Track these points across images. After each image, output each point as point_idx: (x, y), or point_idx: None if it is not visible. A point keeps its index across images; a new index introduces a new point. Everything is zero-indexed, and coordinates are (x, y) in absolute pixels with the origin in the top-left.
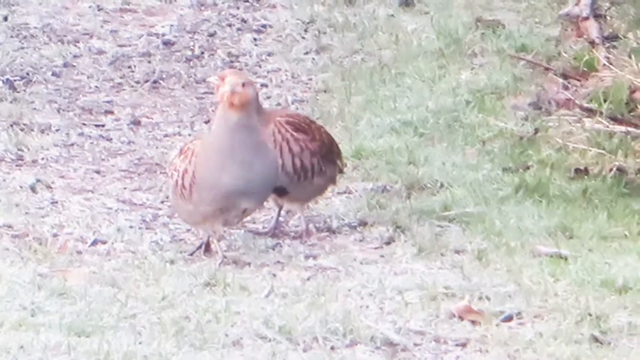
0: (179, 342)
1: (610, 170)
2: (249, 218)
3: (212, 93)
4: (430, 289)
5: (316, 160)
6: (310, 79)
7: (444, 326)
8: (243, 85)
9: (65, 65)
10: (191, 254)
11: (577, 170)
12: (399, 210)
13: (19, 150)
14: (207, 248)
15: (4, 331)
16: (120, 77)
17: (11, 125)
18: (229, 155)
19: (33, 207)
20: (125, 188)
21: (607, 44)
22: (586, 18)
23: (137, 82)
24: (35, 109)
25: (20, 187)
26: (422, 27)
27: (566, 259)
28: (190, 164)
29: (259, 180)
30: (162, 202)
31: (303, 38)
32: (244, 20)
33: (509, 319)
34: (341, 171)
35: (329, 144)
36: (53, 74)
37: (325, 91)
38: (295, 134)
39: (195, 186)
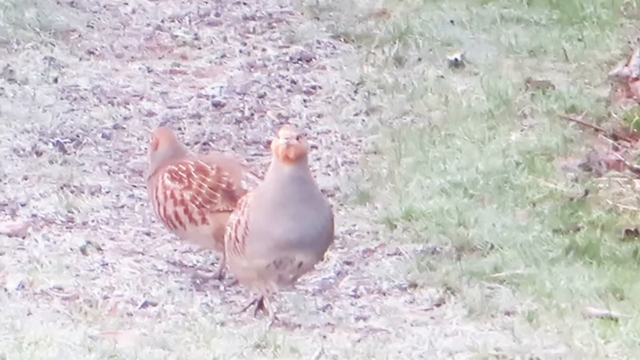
0: None
1: None
2: (300, 279)
3: (262, 155)
4: (481, 351)
5: (181, 210)
6: (360, 141)
7: None
8: (297, 138)
9: (115, 127)
10: (244, 310)
11: (627, 232)
12: (449, 271)
13: (69, 212)
14: (260, 306)
15: None
16: None
17: (61, 188)
18: (281, 208)
19: (83, 269)
20: (175, 250)
21: None
22: (636, 79)
23: (187, 144)
24: (85, 171)
25: (71, 249)
26: (472, 88)
27: (617, 320)
28: (243, 215)
29: (313, 232)
30: (213, 264)
31: (353, 99)
32: (293, 82)
33: None
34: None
35: (209, 195)
36: (103, 136)
37: (375, 152)
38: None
39: (248, 238)
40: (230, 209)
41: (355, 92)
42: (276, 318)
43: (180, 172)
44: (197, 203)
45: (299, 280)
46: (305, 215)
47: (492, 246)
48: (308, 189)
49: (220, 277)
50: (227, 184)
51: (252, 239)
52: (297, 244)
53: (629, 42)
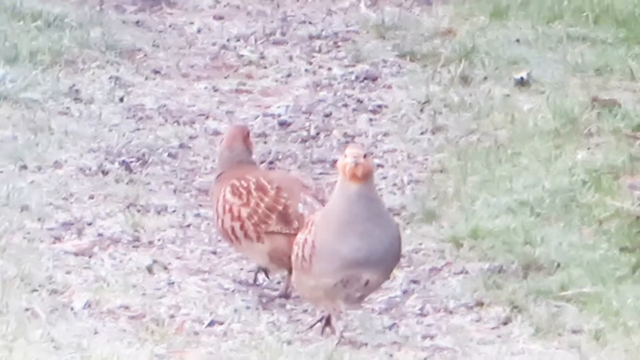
0: None
1: None
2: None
3: (328, 173)
4: None
5: (238, 225)
6: (426, 159)
7: None
8: (364, 156)
9: (181, 146)
10: (310, 328)
11: None
12: (515, 290)
13: (135, 231)
14: (327, 324)
15: None
16: None
17: (127, 207)
18: (348, 226)
19: (150, 288)
20: (241, 269)
21: None
22: None
23: None
24: (151, 190)
25: (137, 268)
26: (538, 107)
27: None
28: (310, 234)
29: (380, 251)
30: (279, 282)
31: (419, 118)
32: (359, 101)
33: None
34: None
35: (264, 215)
36: (169, 155)
37: (441, 171)
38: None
39: (315, 257)
40: (284, 232)
41: (421, 110)
42: (343, 337)
43: (240, 188)
44: (253, 221)
45: (366, 299)
46: (372, 233)
47: (559, 265)
48: (375, 207)
49: (286, 296)
50: (284, 205)
51: (320, 258)
52: (364, 262)
53: None
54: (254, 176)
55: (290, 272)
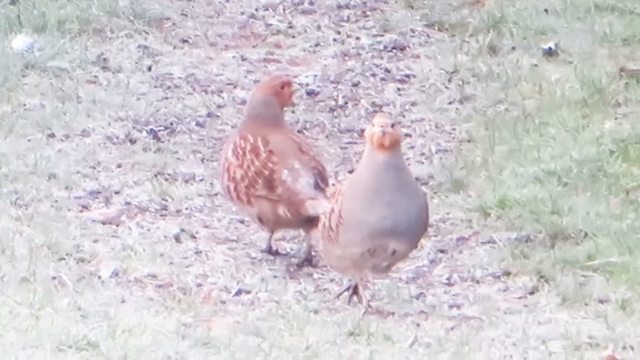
0: None
1: None
2: (395, 267)
3: (355, 143)
4: (574, 339)
5: (232, 186)
6: (454, 129)
7: None
8: (392, 125)
9: (209, 115)
10: (337, 297)
11: None
12: (542, 260)
13: (163, 200)
14: (355, 292)
15: None
16: None
17: (155, 176)
18: (375, 196)
19: (177, 257)
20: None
21: None
22: None
23: None
24: (179, 159)
25: (165, 237)
26: (566, 77)
27: None
28: (337, 204)
29: (407, 220)
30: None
31: (447, 88)
32: (387, 70)
33: None
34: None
35: (252, 179)
36: (197, 124)
37: (469, 141)
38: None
39: (342, 226)
40: (270, 197)
41: (449, 80)
42: (370, 306)
43: (239, 148)
44: (245, 184)
45: (393, 268)
46: (399, 203)
47: (586, 234)
48: (402, 176)
49: (309, 261)
50: (270, 170)
51: (346, 228)
52: (391, 232)
53: None
54: (255, 136)
55: (272, 233)
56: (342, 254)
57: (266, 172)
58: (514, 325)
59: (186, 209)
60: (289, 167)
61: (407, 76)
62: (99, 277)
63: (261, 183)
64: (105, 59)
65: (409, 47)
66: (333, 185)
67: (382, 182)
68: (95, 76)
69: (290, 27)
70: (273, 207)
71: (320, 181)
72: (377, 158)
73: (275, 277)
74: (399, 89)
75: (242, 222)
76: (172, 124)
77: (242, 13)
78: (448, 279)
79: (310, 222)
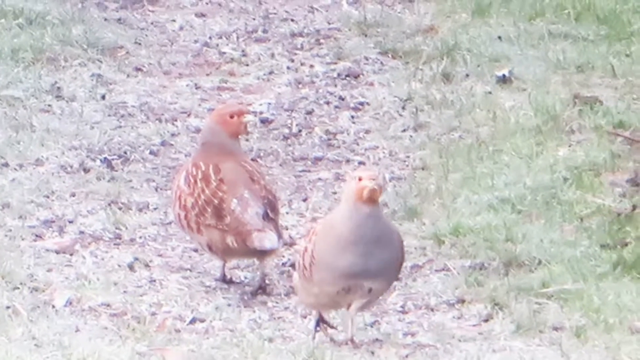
0: None
1: None
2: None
3: (309, 170)
4: None
5: (183, 214)
6: (408, 156)
7: None
8: (381, 181)
9: (162, 143)
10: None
11: None
12: (496, 287)
13: (117, 229)
14: (319, 323)
15: None
16: None
17: (109, 204)
18: (351, 245)
19: (131, 286)
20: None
21: None
22: None
23: None
24: (133, 187)
25: (119, 265)
26: (520, 104)
27: None
28: (310, 243)
29: (379, 266)
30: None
31: (400, 115)
32: (341, 98)
33: None
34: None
35: (202, 208)
36: (151, 153)
37: (423, 168)
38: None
39: (315, 266)
40: (218, 226)
41: (403, 108)
42: (353, 340)
43: (190, 176)
44: (195, 212)
45: (374, 303)
46: (373, 253)
47: (540, 261)
48: (381, 227)
49: (263, 289)
50: (219, 199)
51: (319, 268)
52: (363, 275)
53: None
54: (207, 164)
55: (224, 262)
56: (319, 291)
57: (216, 201)
58: (469, 352)
59: (140, 237)
60: (238, 196)
61: (361, 104)
62: (53, 306)
63: (210, 212)
64: (59, 88)
65: (362, 74)
66: (286, 213)
67: (360, 234)
68: (49, 105)
69: (244, 55)
70: (222, 236)
71: (270, 211)
72: (360, 211)
73: (229, 305)
74: (352, 117)
75: (196, 250)
76: (125, 153)
77: (196, 41)
78: (402, 306)
79: (260, 252)
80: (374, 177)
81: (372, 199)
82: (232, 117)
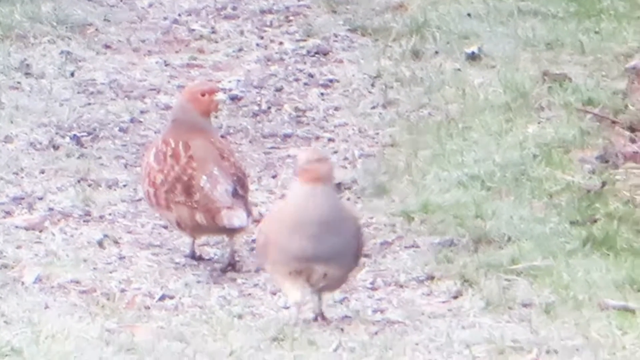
0: None
1: None
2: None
3: (279, 148)
4: (498, 343)
5: (152, 191)
6: (377, 133)
7: None
8: (319, 160)
9: (132, 120)
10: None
11: None
12: (466, 264)
13: (86, 206)
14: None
15: None
16: None
17: (78, 181)
18: (298, 226)
19: (101, 263)
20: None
21: None
22: None
23: None
24: (102, 164)
25: (88, 242)
26: (489, 81)
27: (634, 312)
28: (264, 224)
29: (331, 251)
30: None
31: (370, 92)
32: (310, 75)
33: None
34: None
35: (171, 185)
36: (120, 130)
37: (392, 145)
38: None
39: (269, 247)
40: (188, 203)
41: (373, 85)
42: (323, 316)
43: (160, 153)
44: (164, 189)
45: (337, 286)
46: (322, 237)
47: (510, 238)
48: (327, 209)
49: (232, 266)
50: (189, 176)
51: (272, 249)
52: (314, 259)
53: None
54: (177, 141)
55: (194, 239)
56: (272, 271)
57: (185, 178)
58: (438, 329)
59: (109, 214)
60: (208, 173)
61: (331, 81)
62: (23, 283)
63: (180, 189)
64: (28, 65)
65: (332, 52)
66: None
67: (305, 215)
68: (18, 82)
69: (213, 32)
70: (191, 213)
71: (240, 188)
72: (302, 190)
73: (199, 282)
74: (322, 94)
75: (165, 227)
76: (95, 130)
77: (165, 18)
78: (372, 283)
79: (229, 229)
80: (309, 158)
81: (307, 178)
82: (203, 95)
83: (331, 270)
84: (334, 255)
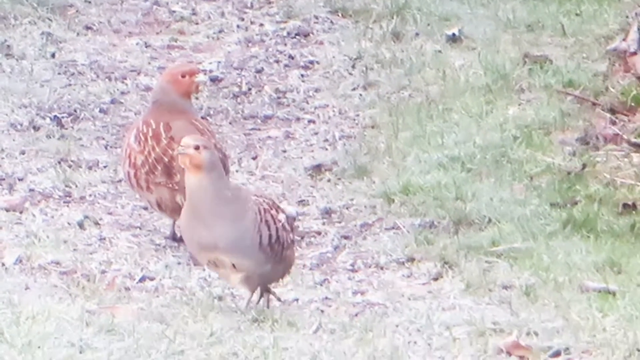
0: None
1: None
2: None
3: (259, 129)
4: (478, 325)
5: (133, 172)
6: (358, 115)
7: None
8: (197, 148)
9: (112, 101)
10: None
11: (625, 205)
12: (446, 246)
13: (66, 187)
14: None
15: None
16: None
17: (59, 162)
18: (193, 215)
19: (81, 244)
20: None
21: None
22: (634, 53)
23: None
24: (83, 145)
25: (68, 223)
26: (470, 63)
27: (614, 294)
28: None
29: (227, 241)
30: None
31: (350, 74)
32: (291, 57)
33: (557, 354)
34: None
35: (152, 166)
36: (100, 111)
37: (372, 127)
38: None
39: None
40: (168, 185)
41: (353, 66)
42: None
43: (141, 134)
44: (144, 170)
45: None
46: (214, 225)
47: (490, 220)
48: (212, 197)
49: (174, 238)
50: (169, 158)
51: (184, 237)
52: (214, 249)
53: (627, 17)
54: (158, 122)
55: (174, 220)
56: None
57: (166, 159)
58: (418, 311)
59: (90, 195)
60: None
61: (311, 62)
62: (3, 264)
63: (160, 170)
64: (8, 46)
65: (312, 33)
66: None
67: (195, 204)
68: None
69: (194, 13)
70: (171, 194)
71: None
72: (188, 179)
73: (179, 263)
74: (302, 76)
75: (145, 208)
76: (75, 111)
77: (146, 0)
78: (352, 265)
79: None
80: (184, 144)
81: (186, 166)
82: (183, 76)
83: (237, 260)
84: (232, 243)
